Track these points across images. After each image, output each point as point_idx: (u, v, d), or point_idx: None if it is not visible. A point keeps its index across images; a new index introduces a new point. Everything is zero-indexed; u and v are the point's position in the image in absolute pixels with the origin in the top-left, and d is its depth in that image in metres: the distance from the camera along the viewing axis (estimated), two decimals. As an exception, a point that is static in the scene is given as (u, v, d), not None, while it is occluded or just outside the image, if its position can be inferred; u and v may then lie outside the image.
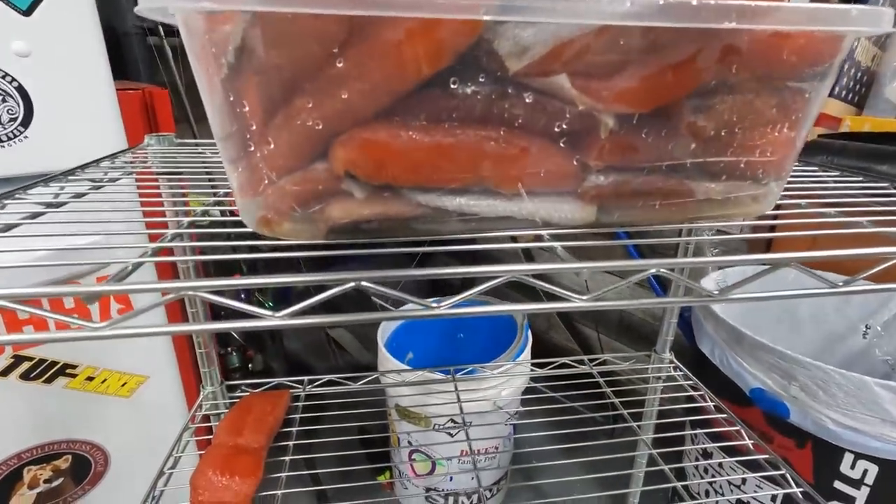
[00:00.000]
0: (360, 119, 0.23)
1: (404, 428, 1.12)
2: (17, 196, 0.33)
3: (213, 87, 0.22)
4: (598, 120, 0.25)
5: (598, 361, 0.76)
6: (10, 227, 0.28)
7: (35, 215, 0.30)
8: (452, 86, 0.22)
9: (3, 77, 0.54)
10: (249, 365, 1.11)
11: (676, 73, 0.24)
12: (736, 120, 0.26)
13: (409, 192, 0.25)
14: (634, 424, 0.64)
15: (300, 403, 0.65)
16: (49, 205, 0.32)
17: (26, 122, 0.56)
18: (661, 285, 1.31)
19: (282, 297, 1.55)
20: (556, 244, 0.26)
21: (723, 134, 0.26)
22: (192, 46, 0.22)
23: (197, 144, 0.54)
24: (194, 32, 0.22)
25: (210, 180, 0.43)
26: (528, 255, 1.66)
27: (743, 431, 0.61)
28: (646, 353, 0.78)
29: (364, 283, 0.21)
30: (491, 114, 0.24)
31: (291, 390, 0.67)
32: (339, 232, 0.26)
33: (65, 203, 0.33)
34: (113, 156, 0.46)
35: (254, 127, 0.23)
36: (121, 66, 1.03)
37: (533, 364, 0.82)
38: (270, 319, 0.21)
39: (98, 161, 0.44)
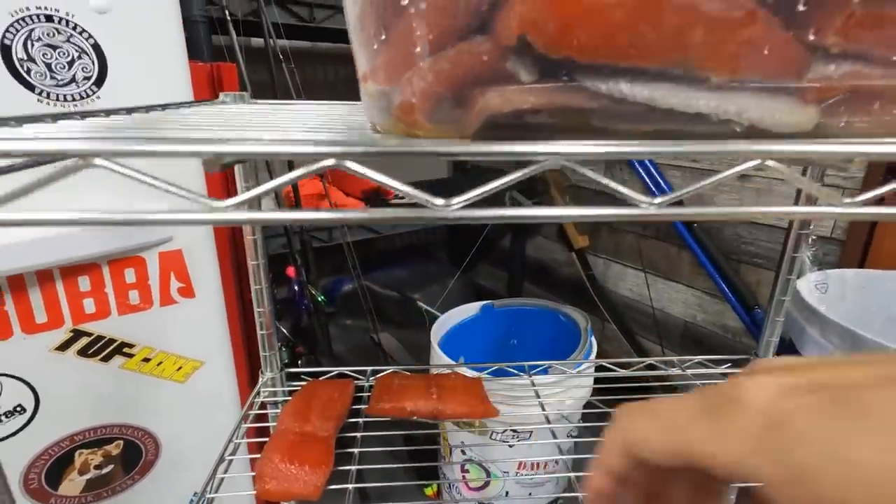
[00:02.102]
0: (544, -35, 0.18)
1: (458, 437, 1.04)
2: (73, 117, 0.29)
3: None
4: (852, -24, 0.18)
5: (690, 363, 0.68)
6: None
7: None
8: None
9: (81, 33, 0.52)
10: (298, 362, 1.07)
11: None
12: None
13: (590, 77, 0.20)
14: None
15: (364, 394, 0.60)
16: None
17: (99, 81, 0.54)
18: (735, 293, 1.20)
19: (330, 296, 1.52)
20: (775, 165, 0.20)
21: None
22: None
23: (274, 104, 0.51)
24: None
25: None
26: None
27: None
28: (743, 356, 0.69)
29: (564, 162, 0.16)
30: (712, -37, 0.18)
31: (355, 381, 0.61)
32: (496, 128, 0.20)
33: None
34: (192, 103, 0.43)
35: (412, -28, 0.17)
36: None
37: (613, 364, 0.74)
38: (442, 210, 0.15)
39: (178, 105, 0.40)
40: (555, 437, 0.84)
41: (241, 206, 0.15)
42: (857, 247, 0.98)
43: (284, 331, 1.10)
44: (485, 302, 1.25)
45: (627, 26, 0.18)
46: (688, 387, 0.65)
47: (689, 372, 0.65)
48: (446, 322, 1.21)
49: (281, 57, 1.02)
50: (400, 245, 2.10)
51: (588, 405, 1.05)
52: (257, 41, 1.23)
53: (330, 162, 0.15)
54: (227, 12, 0.92)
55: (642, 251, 1.43)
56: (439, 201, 0.16)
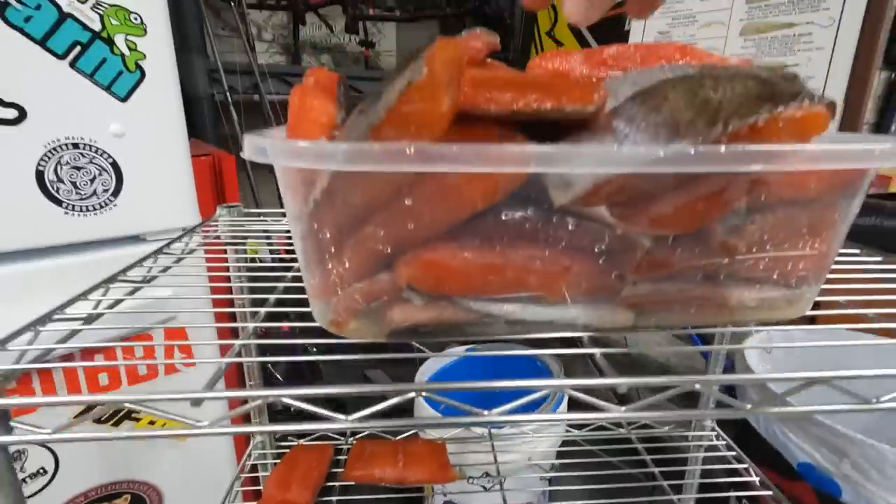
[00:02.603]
0: (421, 242, 0.26)
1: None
2: (118, 279, 0.38)
3: (299, 218, 0.26)
4: (635, 241, 0.27)
5: (636, 425, 0.75)
6: (117, 302, 0.33)
7: (133, 290, 0.35)
8: (503, 216, 0.26)
9: (101, 154, 0.61)
10: (291, 409, 1.14)
11: (707, 202, 0.26)
12: (767, 238, 0.28)
13: (463, 301, 0.28)
14: (675, 498, 0.63)
15: (342, 457, 0.68)
16: (143, 279, 0.37)
17: (116, 192, 0.63)
18: (703, 340, 1.28)
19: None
20: (597, 351, 0.28)
21: (754, 250, 0.28)
22: (285, 185, 0.26)
23: (259, 213, 0.60)
24: (288, 178, 0.26)
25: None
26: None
27: (791, 511, 0.59)
28: (687, 418, 0.77)
29: (424, 394, 0.24)
30: (537, 237, 0.26)
31: (335, 443, 0.69)
32: (400, 333, 0.29)
33: (156, 277, 0.38)
34: (192, 230, 0.52)
35: (332, 250, 0.26)
36: (191, 125, 1.13)
37: (569, 424, 0.82)
38: (343, 423, 0.24)
39: (179, 237, 0.49)
40: (527, 479, 0.91)
41: (216, 425, 0.23)
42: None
43: (278, 376, 1.18)
44: (469, 346, 1.33)
45: (480, 278, 0.27)
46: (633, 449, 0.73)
47: (633, 434, 0.73)
48: (432, 365, 1.29)
49: (275, 123, 1.12)
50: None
51: (567, 443, 1.12)
52: (257, 97, 1.34)
53: (272, 399, 0.24)
54: (228, 95, 1.02)
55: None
56: (340, 416, 0.25)
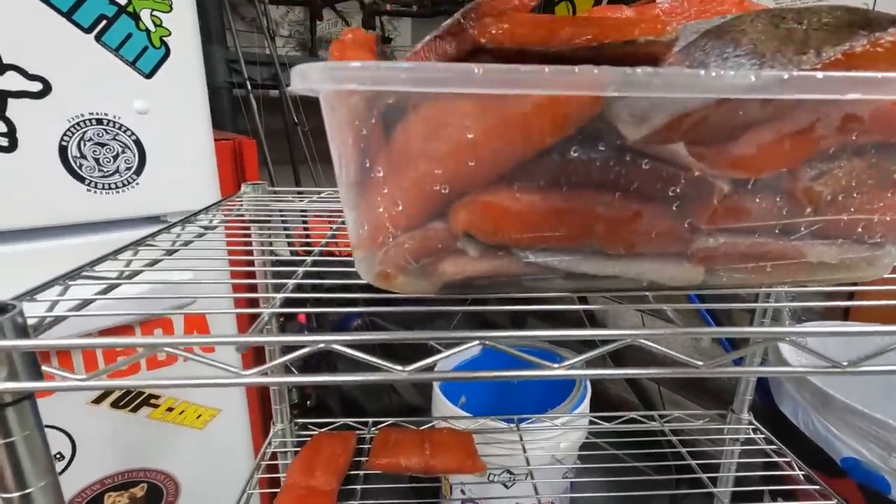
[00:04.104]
0: (481, 184, 0.24)
1: (458, 477, 1.09)
2: (146, 242, 0.37)
3: (349, 155, 0.25)
4: (713, 185, 0.25)
5: (668, 418, 0.72)
6: (135, 273, 0.31)
7: (154, 262, 0.34)
8: (572, 153, 0.24)
9: (125, 131, 0.60)
10: (308, 402, 1.13)
11: (794, 140, 0.24)
12: (855, 184, 0.26)
13: (522, 252, 0.26)
14: (715, 490, 0.60)
15: (366, 446, 0.66)
16: (169, 251, 0.36)
17: (139, 170, 0.62)
18: (730, 341, 1.24)
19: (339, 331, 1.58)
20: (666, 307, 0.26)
21: (840, 198, 0.26)
22: (332, 120, 0.25)
23: (286, 191, 0.58)
24: (337, 108, 0.24)
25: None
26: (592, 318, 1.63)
27: (841, 507, 0.56)
28: (719, 411, 0.74)
29: (488, 343, 0.22)
30: (607, 179, 0.24)
31: (357, 432, 0.67)
32: (452, 287, 0.27)
33: (191, 242, 0.36)
34: (216, 204, 0.50)
35: (385, 191, 0.24)
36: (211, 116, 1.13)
37: (597, 417, 0.79)
38: (399, 374, 0.22)
39: (206, 209, 0.48)
40: (549, 478, 0.88)
41: (263, 374, 0.22)
42: (840, 296, 1.02)
43: (294, 370, 1.16)
44: (484, 339, 1.31)
45: (543, 224, 0.25)
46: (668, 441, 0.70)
47: (666, 427, 0.70)
48: (449, 361, 1.26)
49: (295, 119, 1.11)
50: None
51: (587, 446, 1.09)
52: (274, 91, 1.33)
53: (321, 346, 0.22)
54: (248, 82, 1.01)
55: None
56: (397, 367, 0.22)
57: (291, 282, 0.40)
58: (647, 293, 0.28)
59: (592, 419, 0.76)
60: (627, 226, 0.25)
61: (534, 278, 0.27)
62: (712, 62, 0.24)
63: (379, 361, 0.22)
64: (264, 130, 1.18)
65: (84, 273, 0.30)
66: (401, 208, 0.25)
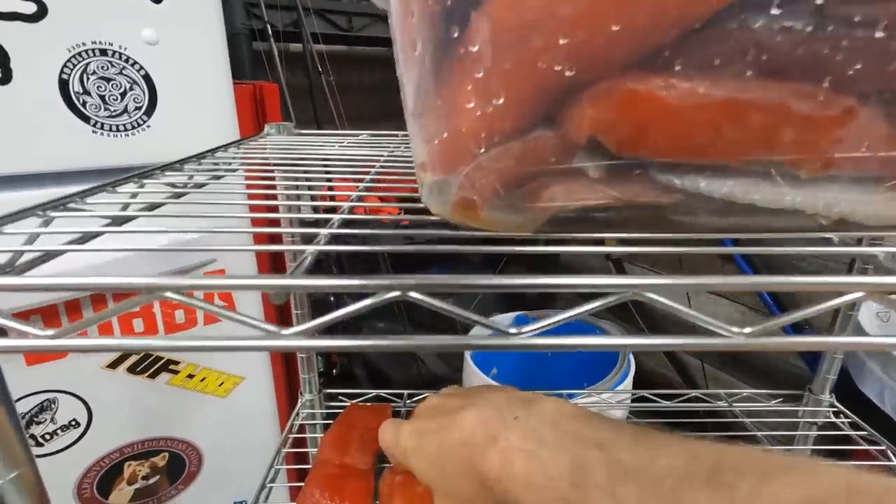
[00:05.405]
0: (620, 65, 0.16)
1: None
2: (154, 175, 0.30)
3: (423, 20, 0.17)
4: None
5: (737, 398, 0.65)
6: (154, 206, 0.24)
7: (179, 195, 0.27)
8: (751, 25, 0.15)
9: (133, 65, 0.53)
10: (333, 370, 1.08)
11: None
12: None
13: (664, 172, 0.18)
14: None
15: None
16: (184, 186, 0.28)
17: (150, 111, 0.55)
18: (783, 311, 1.15)
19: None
20: (878, 251, 0.18)
21: None
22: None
23: (317, 134, 0.51)
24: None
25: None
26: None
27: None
28: (796, 391, 0.66)
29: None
30: (808, 59, 0.16)
31: (392, 405, 0.61)
32: (561, 223, 0.20)
33: (206, 184, 0.29)
34: (238, 142, 0.43)
35: (479, 74, 0.17)
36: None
37: (653, 394, 0.72)
38: (512, 338, 0.14)
39: (225, 146, 0.40)
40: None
41: (302, 335, 0.15)
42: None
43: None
44: (518, 313, 1.24)
45: (708, 128, 0.17)
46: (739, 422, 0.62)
47: (736, 407, 0.63)
48: (479, 332, 1.20)
49: (320, 69, 1.02)
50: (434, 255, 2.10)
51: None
52: (296, 46, 1.24)
53: (395, 293, 0.14)
54: (268, 25, 0.93)
55: (683, 262, 1.38)
56: (512, 329, 0.15)
57: (325, 231, 0.32)
58: (829, 234, 0.20)
59: (646, 396, 0.69)
60: (831, 130, 0.17)
61: (677, 210, 0.19)
62: None
63: (475, 316, 0.15)
64: (287, 87, 1.10)
65: (71, 205, 0.23)
66: (501, 101, 0.17)
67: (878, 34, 0.16)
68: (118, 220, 0.24)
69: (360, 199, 0.27)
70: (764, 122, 0.17)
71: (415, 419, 0.34)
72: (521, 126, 0.18)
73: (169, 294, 0.15)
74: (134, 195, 0.27)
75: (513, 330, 0.15)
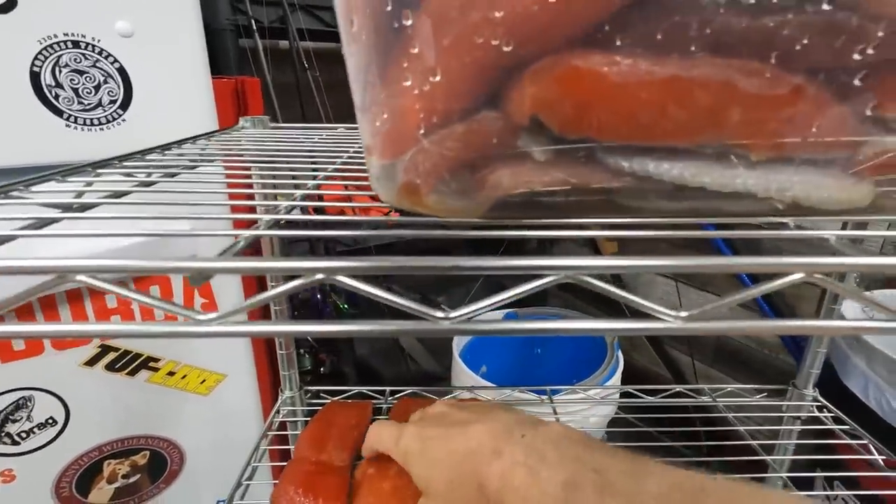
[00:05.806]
0: (561, 41, 0.16)
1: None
2: (113, 165, 0.29)
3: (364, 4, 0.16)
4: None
5: (720, 393, 0.64)
6: (120, 194, 0.23)
7: (147, 184, 0.26)
8: None
9: (106, 57, 0.52)
10: (321, 368, 1.07)
11: None
12: None
13: (611, 155, 0.18)
14: (784, 475, 0.53)
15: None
16: (144, 180, 0.28)
17: (125, 105, 0.55)
18: (772, 308, 1.15)
19: (352, 299, 1.52)
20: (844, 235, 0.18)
21: None
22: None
23: (293, 127, 0.50)
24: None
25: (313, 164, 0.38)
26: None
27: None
28: (780, 386, 0.66)
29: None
30: (753, 35, 0.16)
31: (373, 401, 0.61)
32: (506, 207, 0.19)
33: (177, 174, 0.28)
34: (209, 134, 0.43)
35: (415, 50, 0.16)
36: (212, 62, 1.04)
37: (638, 390, 0.72)
38: (440, 324, 0.14)
39: (195, 138, 0.40)
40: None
41: (221, 322, 0.14)
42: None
43: (310, 338, 1.11)
44: (508, 310, 1.24)
45: (653, 107, 0.16)
46: (721, 417, 0.62)
47: (720, 402, 0.62)
48: (464, 338, 1.20)
49: (306, 66, 1.02)
50: (424, 246, 2.09)
51: (614, 422, 1.02)
52: (283, 43, 1.23)
53: (320, 276, 0.14)
54: (253, 21, 0.92)
55: (628, 245, 1.38)
56: (439, 314, 0.15)
57: (267, 217, 0.32)
58: (784, 219, 0.20)
59: (631, 392, 0.68)
60: (780, 109, 0.17)
61: (625, 194, 0.19)
62: None
63: (417, 307, 0.14)
64: (274, 84, 1.10)
65: (13, 193, 0.23)
66: (438, 79, 0.16)
67: (825, 6, 0.15)
68: (67, 209, 0.23)
69: (317, 187, 0.26)
70: (710, 101, 0.16)
71: (420, 423, 0.34)
72: (465, 107, 0.17)
73: (81, 277, 0.14)
74: (89, 184, 0.26)
75: (440, 315, 0.15)
